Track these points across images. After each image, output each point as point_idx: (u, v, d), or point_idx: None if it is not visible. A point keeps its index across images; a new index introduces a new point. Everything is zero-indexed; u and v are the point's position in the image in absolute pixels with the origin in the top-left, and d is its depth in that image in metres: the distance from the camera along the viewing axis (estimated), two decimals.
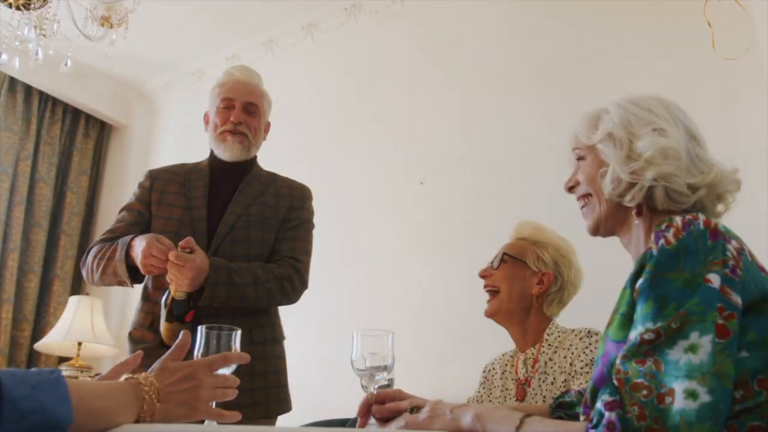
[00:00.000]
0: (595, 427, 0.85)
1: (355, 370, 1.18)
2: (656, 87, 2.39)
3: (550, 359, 1.66)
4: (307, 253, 2.00)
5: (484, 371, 1.86)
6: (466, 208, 2.91)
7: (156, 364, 0.99)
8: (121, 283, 1.88)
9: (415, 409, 1.12)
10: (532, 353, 1.71)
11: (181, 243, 1.71)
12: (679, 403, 0.81)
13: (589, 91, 2.62)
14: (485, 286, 1.79)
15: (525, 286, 1.74)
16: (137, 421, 0.89)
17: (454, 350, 2.71)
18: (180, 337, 1.08)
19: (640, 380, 0.85)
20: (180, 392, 0.96)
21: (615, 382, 0.88)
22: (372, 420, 1.16)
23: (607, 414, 0.84)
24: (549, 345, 1.69)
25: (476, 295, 1.86)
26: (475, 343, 2.49)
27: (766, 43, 2.18)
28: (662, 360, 0.85)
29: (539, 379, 1.66)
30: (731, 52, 2.28)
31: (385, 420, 1.14)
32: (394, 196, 3.14)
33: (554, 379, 1.62)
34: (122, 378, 0.95)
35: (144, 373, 0.95)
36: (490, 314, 1.77)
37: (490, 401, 1.77)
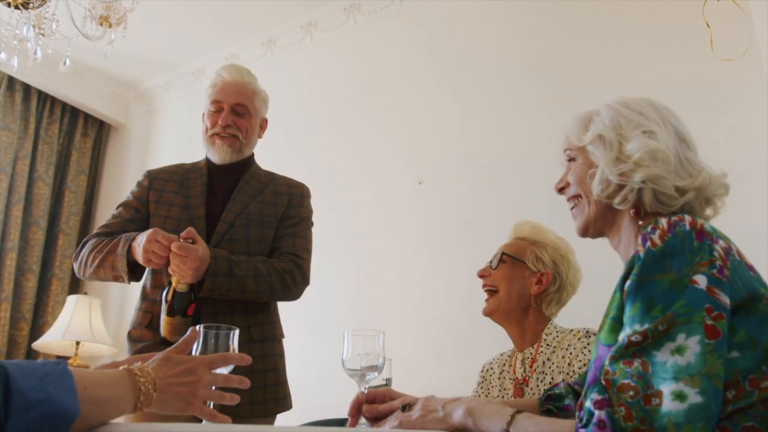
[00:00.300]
0: (585, 426, 0.85)
1: (346, 370, 1.18)
2: (655, 87, 2.39)
3: (548, 359, 1.66)
4: (308, 250, 1.99)
5: (481, 371, 1.86)
6: (465, 208, 2.90)
7: (159, 355, 1.00)
8: (117, 278, 1.87)
9: (407, 406, 1.12)
10: (531, 353, 1.71)
11: (182, 233, 1.71)
12: (666, 404, 0.81)
13: (589, 90, 2.63)
14: (484, 286, 1.79)
15: (523, 285, 1.74)
16: (134, 410, 0.91)
17: (453, 350, 2.70)
18: (188, 332, 1.09)
19: (626, 381, 0.85)
20: (179, 385, 0.97)
21: (603, 382, 0.88)
22: (362, 419, 1.16)
23: (597, 413, 0.84)
24: (547, 345, 1.69)
25: (475, 295, 1.87)
26: (475, 343, 2.49)
27: (764, 43, 2.18)
28: (649, 361, 0.85)
29: (537, 378, 1.66)
30: (730, 52, 2.29)
31: (375, 419, 1.14)
32: (393, 196, 3.14)
33: (552, 378, 1.62)
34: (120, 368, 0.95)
35: (140, 363, 0.96)
36: (488, 313, 1.77)
37: None
